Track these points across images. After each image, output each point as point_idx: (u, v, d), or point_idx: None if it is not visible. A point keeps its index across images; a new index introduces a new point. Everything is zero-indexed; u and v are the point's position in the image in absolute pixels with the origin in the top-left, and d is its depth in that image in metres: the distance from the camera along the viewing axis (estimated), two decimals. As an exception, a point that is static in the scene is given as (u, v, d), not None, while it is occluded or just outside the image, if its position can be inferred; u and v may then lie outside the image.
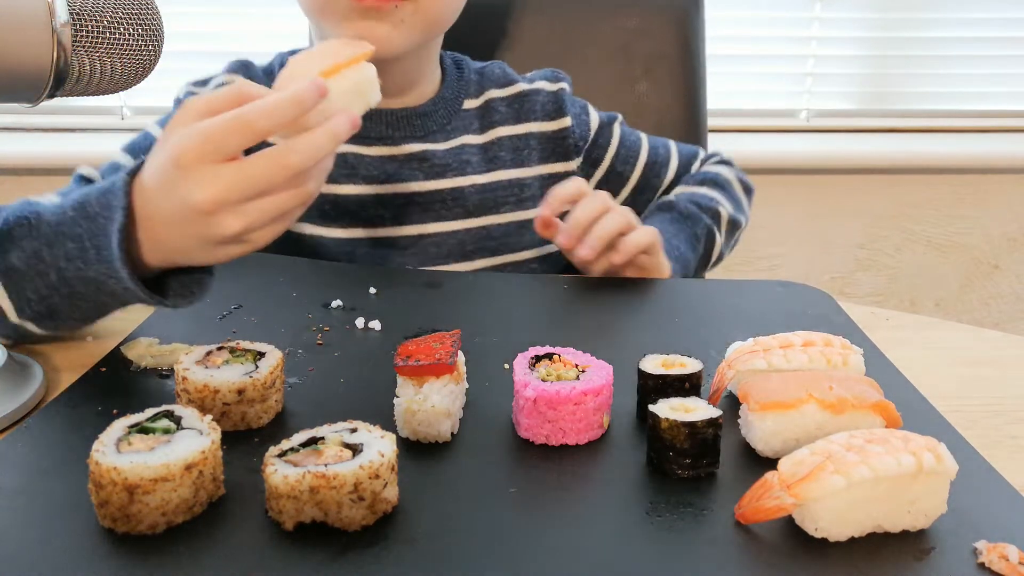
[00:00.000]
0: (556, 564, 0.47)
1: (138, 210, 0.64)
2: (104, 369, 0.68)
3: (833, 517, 0.49)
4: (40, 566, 0.45)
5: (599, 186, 1.09)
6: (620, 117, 1.13)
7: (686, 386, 0.61)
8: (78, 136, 1.74)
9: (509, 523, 0.50)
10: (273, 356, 0.62)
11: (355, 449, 0.50)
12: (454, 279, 0.91)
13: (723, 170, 1.14)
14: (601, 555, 0.48)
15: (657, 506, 0.52)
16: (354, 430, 0.53)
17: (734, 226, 1.11)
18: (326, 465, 0.48)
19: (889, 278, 1.96)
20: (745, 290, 0.89)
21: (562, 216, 0.90)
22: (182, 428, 0.52)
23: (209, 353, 0.62)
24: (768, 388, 0.58)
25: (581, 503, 0.53)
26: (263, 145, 0.62)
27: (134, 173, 0.65)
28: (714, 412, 0.55)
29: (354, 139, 0.96)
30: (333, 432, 0.52)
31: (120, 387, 0.65)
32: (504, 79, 1.08)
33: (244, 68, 1.01)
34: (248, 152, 0.61)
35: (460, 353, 0.62)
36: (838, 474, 0.48)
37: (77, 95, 0.69)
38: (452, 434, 0.59)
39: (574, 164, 1.07)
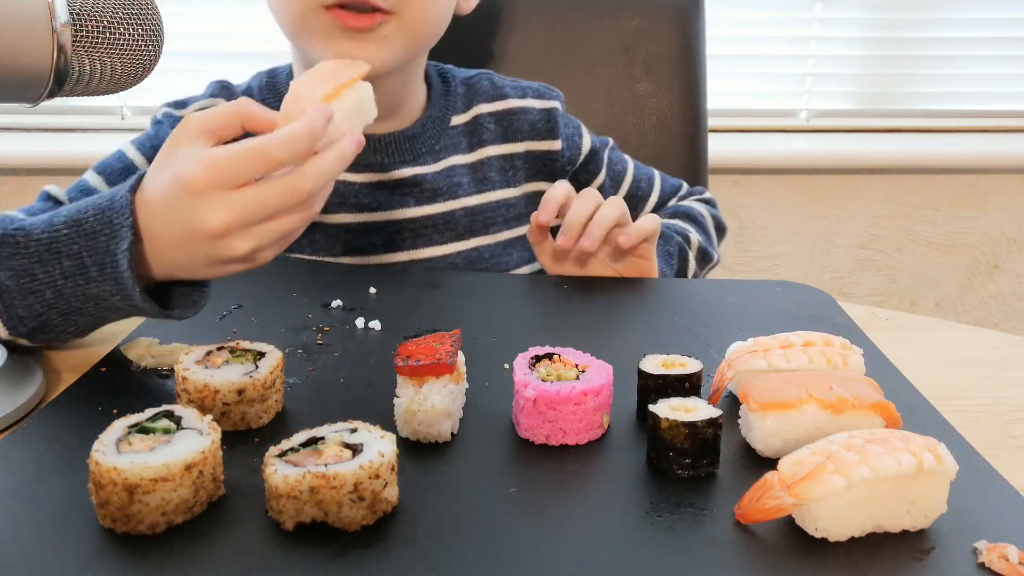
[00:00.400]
0: (556, 564, 0.47)
1: (143, 228, 0.63)
2: (104, 369, 0.68)
3: (833, 517, 0.49)
4: (40, 566, 0.45)
5: None
6: (611, 142, 1.13)
7: (686, 386, 0.61)
8: (78, 136, 1.74)
9: (509, 523, 0.50)
10: (273, 356, 0.62)
11: (355, 449, 0.50)
12: (454, 279, 0.91)
13: (697, 205, 1.15)
14: (601, 555, 0.48)
15: (657, 506, 0.52)
16: (354, 430, 0.53)
17: (705, 256, 1.09)
18: (326, 465, 0.48)
19: (889, 278, 1.96)
20: (745, 290, 0.89)
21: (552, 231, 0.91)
22: (182, 428, 0.52)
23: (209, 353, 0.62)
24: (768, 388, 0.58)
25: (581, 503, 0.53)
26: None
27: (133, 190, 0.64)
28: (714, 412, 0.55)
29: None
30: (333, 432, 0.52)
31: (120, 387, 0.65)
32: (493, 93, 1.06)
33: (224, 90, 1.00)
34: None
35: (460, 353, 0.62)
36: (838, 474, 0.48)
37: (77, 95, 0.69)
38: (452, 434, 0.59)
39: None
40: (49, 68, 0.64)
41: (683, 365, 0.63)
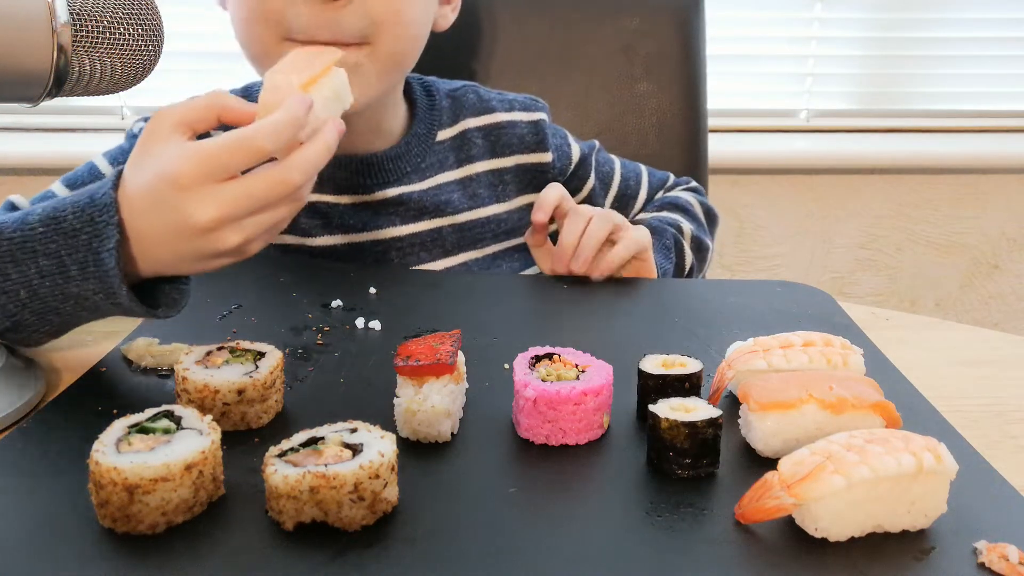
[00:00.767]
0: (556, 564, 0.47)
1: (127, 226, 0.62)
2: (104, 369, 0.68)
3: (833, 517, 0.49)
4: (40, 566, 0.45)
5: None
6: (597, 144, 1.13)
7: (686, 386, 0.61)
8: (78, 136, 1.74)
9: (509, 523, 0.50)
10: (273, 356, 0.62)
11: (355, 449, 0.50)
12: (454, 279, 0.91)
13: (684, 195, 1.14)
14: (601, 555, 0.48)
15: (657, 506, 0.52)
16: (354, 430, 0.53)
17: (700, 245, 1.09)
18: (326, 465, 0.48)
19: (889, 278, 1.96)
20: (745, 290, 0.89)
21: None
22: (182, 428, 0.52)
23: (209, 353, 0.62)
24: (768, 388, 0.58)
25: (581, 503, 0.53)
26: None
27: (115, 187, 0.63)
28: (714, 412, 0.55)
29: (326, 188, 0.95)
30: (333, 432, 0.52)
31: (120, 387, 0.65)
32: (479, 106, 1.05)
33: None
34: None
35: (460, 353, 0.62)
36: (838, 474, 0.48)
37: (77, 95, 0.69)
38: (452, 434, 0.59)
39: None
40: (49, 68, 0.64)
41: (683, 365, 0.63)
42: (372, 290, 0.84)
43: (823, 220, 1.91)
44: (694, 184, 1.19)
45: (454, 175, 1.01)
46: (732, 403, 0.63)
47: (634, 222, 1.08)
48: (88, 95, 0.69)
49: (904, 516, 0.50)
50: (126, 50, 0.68)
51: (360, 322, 0.77)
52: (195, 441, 0.50)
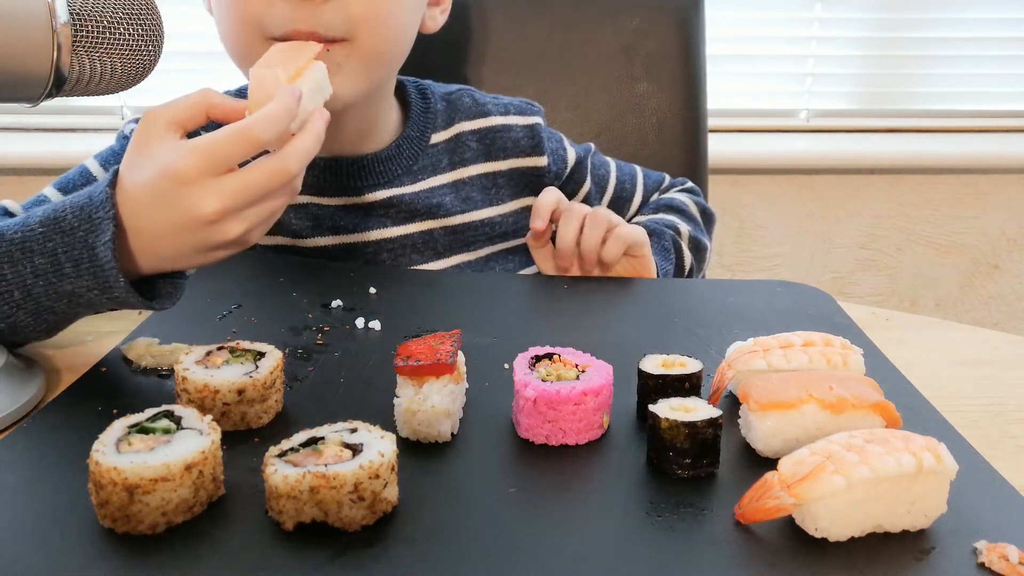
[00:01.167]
0: (556, 564, 0.47)
1: (126, 222, 0.63)
2: (104, 369, 0.68)
3: (833, 517, 0.49)
4: (40, 566, 0.45)
5: None
6: (593, 147, 1.13)
7: (686, 386, 0.61)
8: (78, 136, 1.74)
9: (509, 523, 0.50)
10: (273, 356, 0.62)
11: (355, 449, 0.50)
12: (454, 279, 0.91)
13: (679, 196, 1.14)
14: (601, 555, 0.48)
15: (657, 506, 0.52)
16: (354, 430, 0.53)
17: (698, 245, 1.09)
18: (326, 465, 0.48)
19: (889, 278, 1.96)
20: (745, 290, 0.89)
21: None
22: (182, 428, 0.52)
23: (209, 353, 0.62)
24: (768, 388, 0.57)
25: (581, 503, 0.53)
26: None
27: (112, 185, 0.64)
28: (714, 412, 0.55)
29: (316, 190, 0.96)
30: (333, 432, 0.52)
31: (120, 387, 0.65)
32: (475, 110, 1.04)
33: None
34: None
35: (460, 353, 0.62)
36: (838, 474, 0.48)
37: (77, 95, 0.69)
38: (452, 434, 0.59)
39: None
40: (49, 68, 0.64)
41: (683, 365, 0.63)
42: (372, 290, 0.84)
43: (823, 220, 1.91)
44: (690, 185, 1.19)
45: (447, 178, 1.01)
46: (732, 403, 0.63)
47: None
48: (88, 95, 0.69)
49: (904, 516, 0.50)
50: (126, 50, 0.68)
51: (360, 322, 0.77)
52: (195, 441, 0.50)
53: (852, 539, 0.49)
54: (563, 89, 1.30)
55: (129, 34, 0.67)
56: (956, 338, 0.82)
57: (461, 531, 0.49)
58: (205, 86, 0.67)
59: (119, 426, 0.52)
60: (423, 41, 0.96)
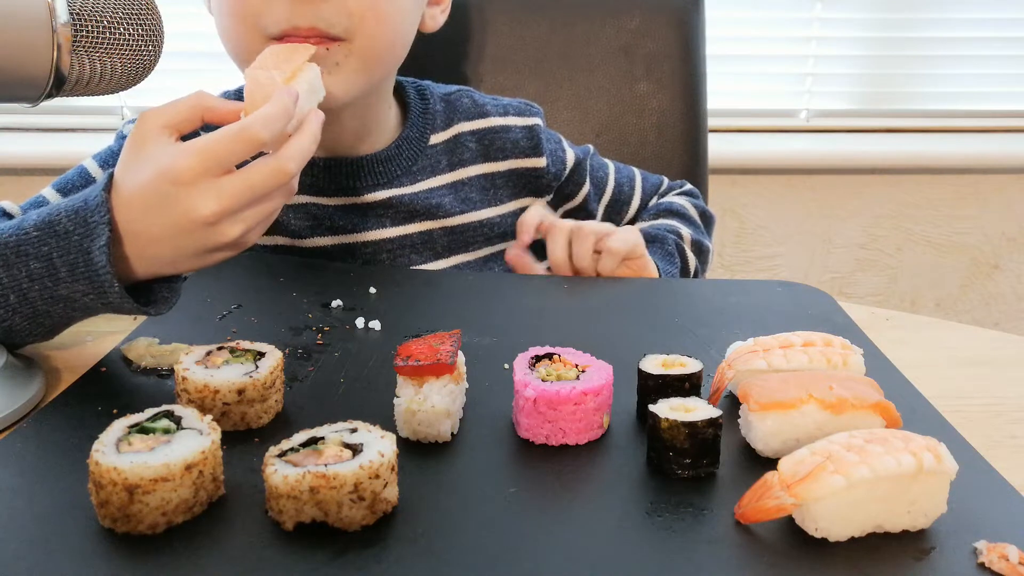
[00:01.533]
0: (556, 564, 0.47)
1: (122, 226, 0.63)
2: (104, 369, 0.68)
3: (833, 517, 0.49)
4: (40, 566, 0.45)
5: (567, 217, 1.09)
6: (592, 149, 1.13)
7: (686, 386, 0.61)
8: (78, 136, 1.74)
9: (509, 523, 0.50)
10: (273, 356, 0.62)
11: (355, 449, 0.50)
12: (454, 279, 0.91)
13: (678, 199, 1.15)
14: (601, 555, 0.48)
15: (657, 506, 0.52)
16: (354, 430, 0.53)
17: (700, 248, 1.09)
18: (326, 465, 0.48)
19: (889, 278, 1.97)
20: (745, 290, 0.89)
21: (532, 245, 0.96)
22: (182, 428, 0.52)
23: (209, 353, 0.62)
24: (768, 388, 0.57)
25: (581, 503, 0.53)
26: None
27: (107, 189, 0.64)
28: (714, 412, 0.55)
29: (315, 191, 0.96)
30: (333, 432, 0.52)
31: (120, 387, 0.65)
32: (474, 110, 1.04)
33: None
34: None
35: (460, 353, 0.62)
36: (838, 474, 0.48)
37: (77, 95, 0.69)
38: (452, 434, 0.59)
39: (544, 200, 1.07)
40: (49, 68, 0.64)
41: (683, 365, 0.63)
42: (372, 290, 0.84)
43: (823, 220, 1.91)
44: (688, 187, 1.19)
45: (446, 179, 1.01)
46: (732, 403, 0.63)
47: None
48: (88, 95, 0.69)
49: (904, 516, 0.50)
50: (126, 50, 0.68)
51: (360, 322, 0.77)
52: (195, 441, 0.50)
53: (852, 539, 0.49)
54: (563, 89, 1.30)
55: (129, 34, 0.67)
56: (956, 338, 0.82)
57: (461, 531, 0.49)
58: (199, 89, 0.67)
59: (119, 426, 0.52)
60: (422, 41, 0.96)
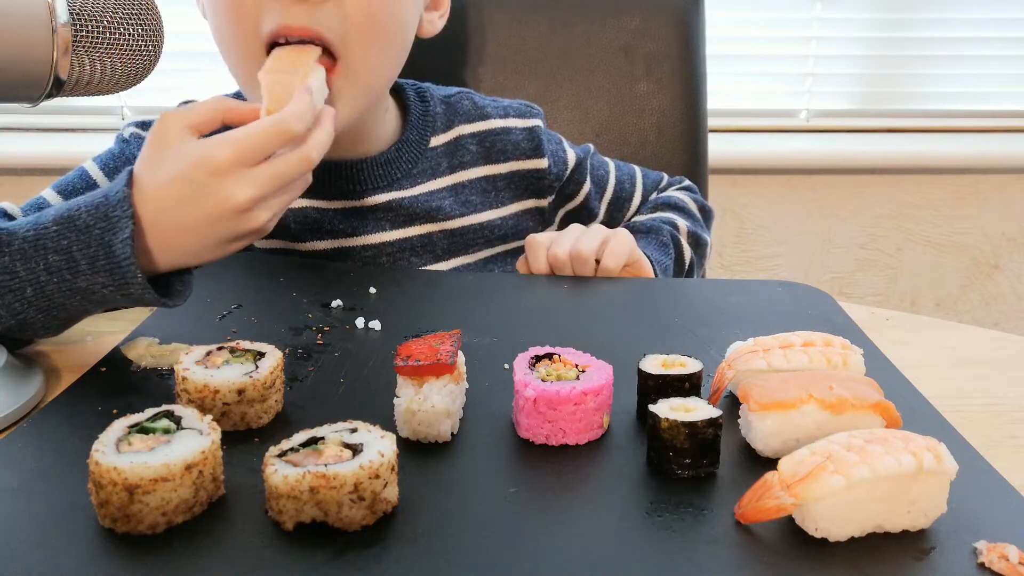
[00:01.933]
0: (556, 564, 0.47)
1: (146, 219, 0.65)
2: (104, 369, 0.68)
3: (833, 517, 0.49)
4: (40, 566, 0.45)
5: (569, 217, 1.10)
6: (592, 148, 1.13)
7: (686, 386, 0.61)
8: (78, 136, 1.74)
9: (509, 523, 0.50)
10: (273, 356, 0.62)
11: (355, 449, 0.50)
12: (454, 279, 0.91)
13: (677, 194, 1.15)
14: (601, 555, 0.48)
15: (657, 506, 0.52)
16: (354, 430, 0.53)
17: (697, 240, 1.09)
18: (326, 465, 0.48)
19: (889, 278, 1.97)
20: (745, 290, 0.89)
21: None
22: (182, 428, 0.52)
23: (209, 353, 0.62)
24: (768, 388, 0.57)
25: (581, 503, 0.53)
26: None
27: (129, 184, 0.65)
28: (714, 412, 0.55)
29: (314, 193, 0.96)
30: (333, 432, 0.52)
31: (120, 387, 0.65)
32: (474, 112, 1.04)
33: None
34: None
35: (460, 353, 0.62)
36: (838, 474, 0.48)
37: (77, 95, 0.69)
38: (452, 434, 0.59)
39: (546, 201, 1.07)
40: (49, 68, 0.64)
41: (683, 365, 0.63)
42: (372, 290, 0.84)
43: (823, 220, 1.91)
44: (687, 183, 1.19)
45: (446, 181, 1.01)
46: (732, 403, 0.63)
47: (630, 225, 1.08)
48: (88, 95, 0.69)
49: (904, 516, 0.50)
50: (126, 50, 0.68)
51: (360, 322, 0.77)
52: (195, 441, 0.50)
53: (852, 539, 0.49)
54: (563, 89, 1.30)
55: (129, 34, 0.67)
56: (956, 338, 0.82)
57: (461, 531, 0.49)
58: (218, 94, 0.70)
59: (119, 426, 0.52)
60: (422, 42, 0.96)
